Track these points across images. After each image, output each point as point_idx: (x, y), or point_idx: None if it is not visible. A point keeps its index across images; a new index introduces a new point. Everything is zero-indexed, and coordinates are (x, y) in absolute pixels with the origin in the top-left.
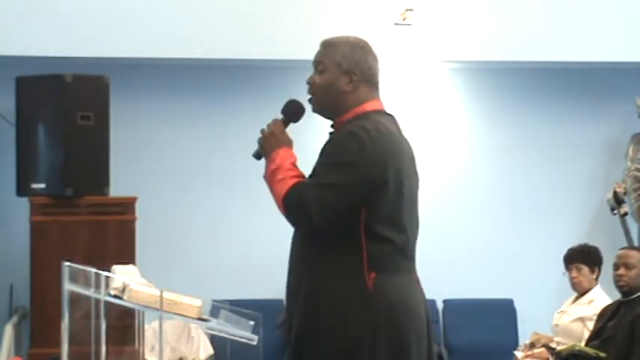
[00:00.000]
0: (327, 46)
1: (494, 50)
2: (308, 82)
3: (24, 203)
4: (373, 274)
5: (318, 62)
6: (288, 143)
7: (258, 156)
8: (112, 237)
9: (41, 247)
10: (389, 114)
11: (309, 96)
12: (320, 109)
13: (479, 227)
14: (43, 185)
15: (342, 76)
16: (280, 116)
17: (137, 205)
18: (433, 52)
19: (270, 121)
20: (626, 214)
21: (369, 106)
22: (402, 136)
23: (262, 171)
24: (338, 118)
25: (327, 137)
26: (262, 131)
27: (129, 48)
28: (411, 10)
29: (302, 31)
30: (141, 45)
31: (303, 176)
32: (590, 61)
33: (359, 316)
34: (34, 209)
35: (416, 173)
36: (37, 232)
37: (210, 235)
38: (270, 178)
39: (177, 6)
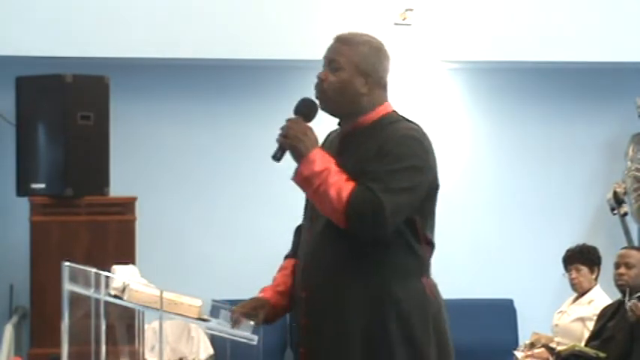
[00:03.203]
0: (345, 43)
1: (494, 50)
2: (321, 77)
3: (24, 203)
4: (425, 279)
5: (332, 60)
6: (316, 143)
7: (279, 157)
8: (112, 237)
9: (41, 247)
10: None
11: (315, 91)
12: (330, 107)
13: (479, 227)
14: (43, 185)
15: (359, 78)
16: (294, 117)
17: (137, 205)
18: (433, 52)
19: (286, 121)
20: (626, 214)
21: (388, 107)
22: None
23: (260, 171)
24: (360, 117)
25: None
26: (285, 131)
27: (129, 48)
28: (411, 10)
29: (302, 32)
30: (141, 45)
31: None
32: (590, 61)
33: (423, 320)
34: (34, 209)
35: None
36: (37, 232)
37: (211, 234)
38: (316, 180)
39: (177, 6)
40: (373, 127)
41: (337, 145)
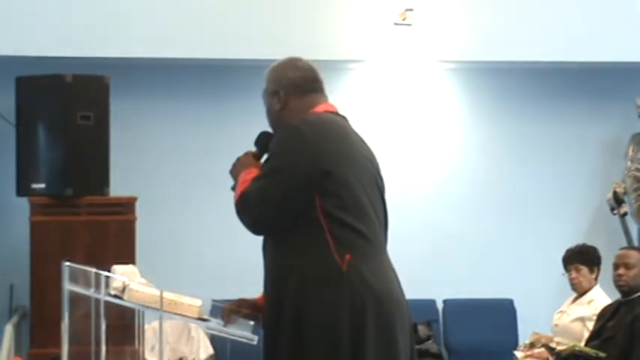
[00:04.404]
0: (263, 78)
1: (493, 50)
2: None
3: (24, 203)
4: (348, 257)
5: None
6: (253, 165)
7: (234, 188)
8: (112, 237)
9: (41, 247)
10: (341, 115)
11: None
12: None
13: (479, 227)
14: (43, 185)
15: (272, 99)
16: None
17: (137, 205)
18: (433, 52)
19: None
20: (626, 214)
21: (318, 109)
22: (354, 131)
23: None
24: None
25: None
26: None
27: (129, 48)
28: (411, 10)
29: (302, 32)
30: (141, 45)
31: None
32: (590, 61)
33: (334, 296)
34: (34, 209)
35: (374, 166)
36: (37, 232)
37: (211, 234)
38: (235, 194)
39: (176, 6)
40: None
41: None
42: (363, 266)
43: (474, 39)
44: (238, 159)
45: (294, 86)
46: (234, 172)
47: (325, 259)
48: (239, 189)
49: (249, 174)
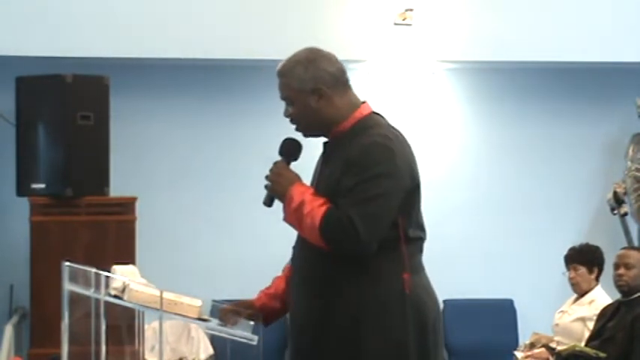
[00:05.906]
0: (282, 76)
1: (493, 50)
2: (286, 116)
3: (24, 203)
4: (406, 276)
5: (283, 97)
6: (298, 178)
7: (270, 202)
8: (112, 237)
9: (41, 247)
10: (381, 115)
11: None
12: (309, 133)
13: (479, 227)
14: (43, 185)
15: (309, 98)
16: (279, 158)
17: (137, 205)
18: (433, 52)
19: (272, 164)
20: (626, 214)
21: (364, 110)
22: None
23: (260, 171)
24: (334, 129)
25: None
26: (268, 177)
27: (129, 48)
28: (411, 10)
29: (302, 32)
30: (141, 45)
31: (328, 202)
32: (590, 61)
33: (402, 318)
34: (34, 209)
35: None
36: (37, 232)
37: (211, 234)
38: (294, 216)
39: (177, 6)
40: (347, 134)
41: (323, 156)
42: (418, 281)
43: (473, 39)
44: (276, 173)
45: (336, 80)
46: (279, 188)
47: (391, 280)
48: (314, 210)
49: (306, 193)
